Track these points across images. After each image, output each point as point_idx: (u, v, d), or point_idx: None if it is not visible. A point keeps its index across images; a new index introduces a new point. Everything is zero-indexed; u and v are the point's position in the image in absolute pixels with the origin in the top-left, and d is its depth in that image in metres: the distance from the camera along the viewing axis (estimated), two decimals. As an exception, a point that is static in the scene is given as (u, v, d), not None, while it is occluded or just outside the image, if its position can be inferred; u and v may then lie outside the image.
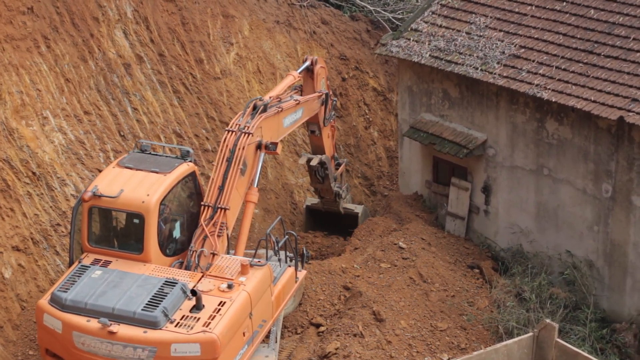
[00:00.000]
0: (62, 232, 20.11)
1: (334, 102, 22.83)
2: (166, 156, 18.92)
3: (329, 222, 24.18)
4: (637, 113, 19.45)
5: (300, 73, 21.57)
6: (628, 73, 20.25)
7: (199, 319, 16.43)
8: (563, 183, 21.32)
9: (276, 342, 18.57)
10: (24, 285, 19.19)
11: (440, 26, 23.19)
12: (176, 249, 18.33)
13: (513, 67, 21.54)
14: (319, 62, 21.90)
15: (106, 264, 17.56)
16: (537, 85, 20.92)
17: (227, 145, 18.81)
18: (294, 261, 19.25)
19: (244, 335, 17.09)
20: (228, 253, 18.49)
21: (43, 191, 20.21)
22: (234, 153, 18.69)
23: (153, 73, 23.58)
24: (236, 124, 19.13)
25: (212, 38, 24.99)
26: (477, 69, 21.89)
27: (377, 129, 27.47)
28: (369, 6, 28.83)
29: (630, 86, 20.00)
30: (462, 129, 22.81)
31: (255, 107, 19.44)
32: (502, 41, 22.14)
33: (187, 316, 16.49)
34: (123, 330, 16.22)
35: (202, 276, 17.47)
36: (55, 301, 16.77)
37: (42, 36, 21.49)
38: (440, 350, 19.33)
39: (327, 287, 20.65)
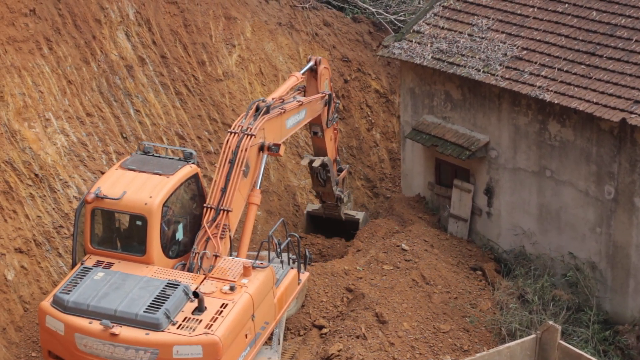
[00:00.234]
0: (65, 234, 20.10)
1: (337, 104, 22.78)
2: (169, 158, 18.89)
3: (330, 228, 24.09)
4: (640, 115, 19.48)
5: (303, 74, 21.50)
6: (630, 75, 20.23)
7: (201, 321, 16.41)
8: (565, 185, 21.30)
9: (279, 344, 18.55)
10: (27, 287, 19.19)
11: (443, 28, 23.17)
12: (179, 251, 18.31)
13: (515, 69, 21.52)
14: (323, 63, 21.84)
15: (109, 265, 17.55)
16: (539, 87, 20.90)
17: (229, 147, 18.76)
18: (296, 263, 19.22)
19: (246, 337, 17.07)
20: (230, 255, 18.48)
21: (45, 193, 20.20)
22: (237, 155, 18.65)
23: (155, 75, 23.57)
24: (239, 126, 19.08)
25: (214, 40, 24.98)
26: (479, 70, 21.87)
27: (380, 131, 27.45)
28: (371, 8, 28.82)
29: (633, 88, 19.98)
30: (465, 131, 22.80)
31: (257, 109, 19.38)
32: (504, 43, 22.12)
33: (189, 318, 16.47)
34: (125, 332, 16.20)
35: (205, 278, 17.44)
36: (57, 303, 16.76)
37: (45, 38, 21.49)
38: (442, 352, 19.32)
39: (329, 289, 20.63)
